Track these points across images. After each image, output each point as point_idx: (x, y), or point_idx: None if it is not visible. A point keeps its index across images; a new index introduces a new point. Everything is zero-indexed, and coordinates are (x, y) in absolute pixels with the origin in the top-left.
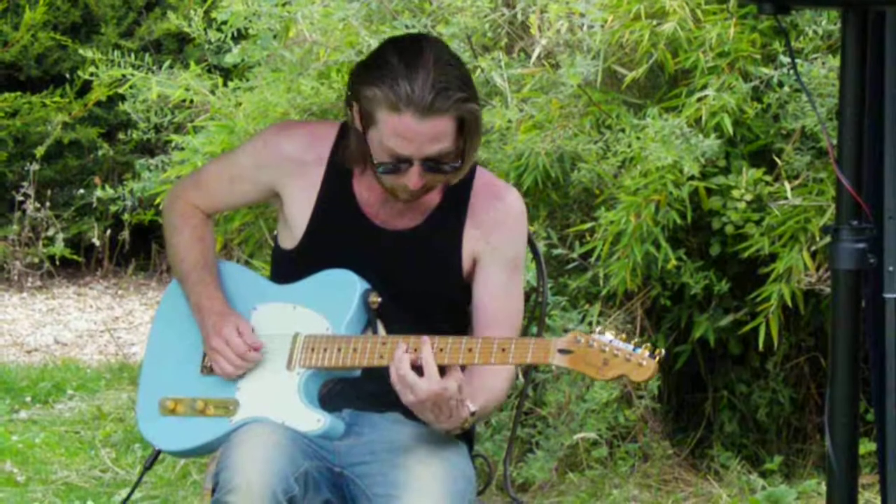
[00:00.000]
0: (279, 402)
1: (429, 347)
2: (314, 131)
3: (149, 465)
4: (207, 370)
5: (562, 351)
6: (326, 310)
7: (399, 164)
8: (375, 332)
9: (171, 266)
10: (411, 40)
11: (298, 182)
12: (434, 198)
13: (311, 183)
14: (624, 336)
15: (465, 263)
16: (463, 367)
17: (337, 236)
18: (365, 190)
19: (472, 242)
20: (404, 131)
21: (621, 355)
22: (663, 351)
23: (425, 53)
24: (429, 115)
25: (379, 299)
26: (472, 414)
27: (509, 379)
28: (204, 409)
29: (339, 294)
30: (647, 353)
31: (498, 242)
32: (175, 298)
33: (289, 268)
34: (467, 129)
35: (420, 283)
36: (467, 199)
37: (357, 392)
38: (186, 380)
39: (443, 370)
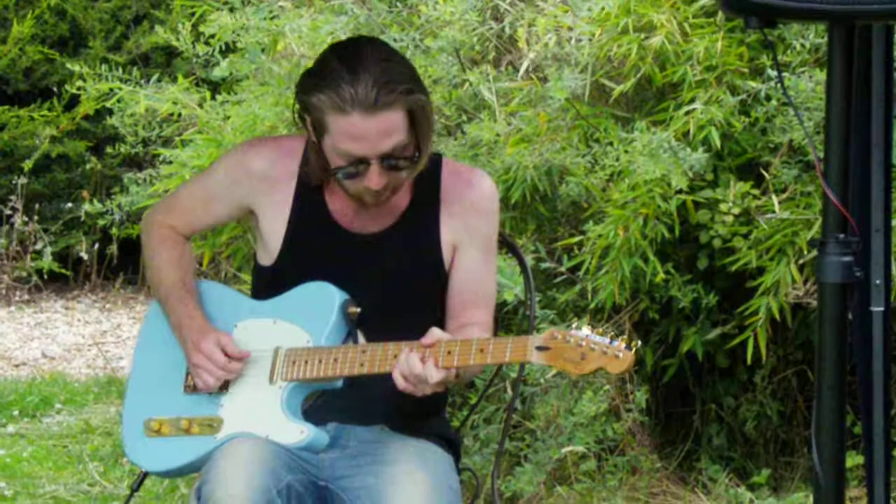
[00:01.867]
0: (262, 416)
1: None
2: (281, 146)
3: (136, 488)
4: (191, 389)
5: (539, 348)
6: (306, 323)
7: (357, 165)
8: (356, 341)
9: (152, 289)
10: (351, 43)
11: (270, 198)
12: (403, 197)
13: (282, 198)
14: (600, 330)
15: (446, 254)
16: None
17: (314, 249)
18: (337, 200)
19: (450, 232)
20: (354, 131)
21: (598, 348)
22: (639, 342)
23: (365, 53)
24: (375, 110)
25: (358, 309)
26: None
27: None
28: (189, 427)
29: (318, 306)
30: (623, 345)
31: (475, 227)
32: (157, 320)
33: (268, 284)
34: (417, 120)
35: (404, 282)
36: (437, 190)
37: (341, 405)
38: (170, 399)
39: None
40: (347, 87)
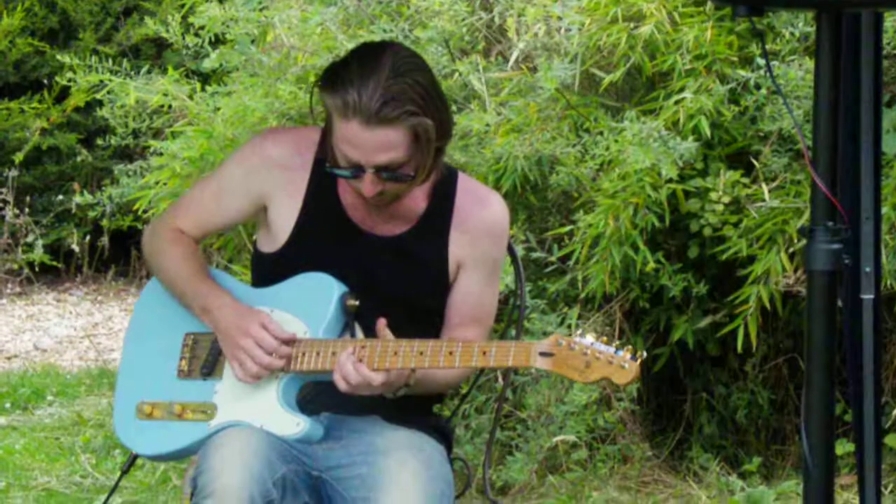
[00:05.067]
0: (258, 406)
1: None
2: (299, 136)
3: (126, 470)
4: (184, 374)
5: (543, 354)
6: (304, 313)
7: (353, 169)
8: (353, 334)
9: (167, 288)
10: (374, 47)
11: (284, 187)
12: (420, 204)
13: (296, 188)
14: (605, 339)
15: (452, 270)
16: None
17: (322, 240)
18: (350, 195)
19: (458, 249)
20: (352, 138)
21: (603, 358)
22: (644, 353)
23: (382, 61)
24: (375, 124)
25: (357, 302)
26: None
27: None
28: (182, 413)
29: (316, 297)
30: (628, 355)
31: (483, 248)
32: (150, 303)
33: (270, 271)
34: (419, 144)
35: (406, 289)
36: (451, 205)
37: (336, 395)
38: (163, 383)
39: None
40: (353, 93)
